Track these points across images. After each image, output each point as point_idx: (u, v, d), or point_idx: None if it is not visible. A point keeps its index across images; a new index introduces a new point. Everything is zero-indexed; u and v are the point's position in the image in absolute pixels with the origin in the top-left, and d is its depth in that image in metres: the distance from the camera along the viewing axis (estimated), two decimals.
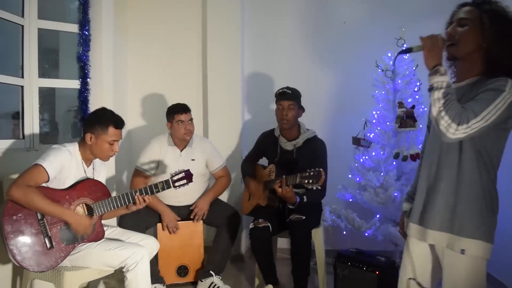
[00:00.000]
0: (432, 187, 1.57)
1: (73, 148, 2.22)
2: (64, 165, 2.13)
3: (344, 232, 3.37)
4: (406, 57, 3.14)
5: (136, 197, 2.28)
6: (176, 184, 2.39)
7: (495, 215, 1.53)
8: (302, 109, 2.91)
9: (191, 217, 2.94)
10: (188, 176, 2.41)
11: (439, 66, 1.45)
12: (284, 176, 2.54)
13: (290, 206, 2.66)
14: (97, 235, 2.23)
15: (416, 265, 1.64)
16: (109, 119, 2.23)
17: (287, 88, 2.87)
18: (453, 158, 1.51)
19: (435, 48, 1.47)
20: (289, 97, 2.81)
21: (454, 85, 1.56)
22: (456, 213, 1.49)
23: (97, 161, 2.37)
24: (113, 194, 2.52)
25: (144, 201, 2.32)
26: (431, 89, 1.44)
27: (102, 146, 2.22)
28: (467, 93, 1.50)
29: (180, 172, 2.41)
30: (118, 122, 2.25)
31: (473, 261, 1.48)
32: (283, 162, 2.86)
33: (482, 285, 1.50)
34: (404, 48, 1.61)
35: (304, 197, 2.66)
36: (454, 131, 1.37)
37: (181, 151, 3.01)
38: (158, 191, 2.34)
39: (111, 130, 2.22)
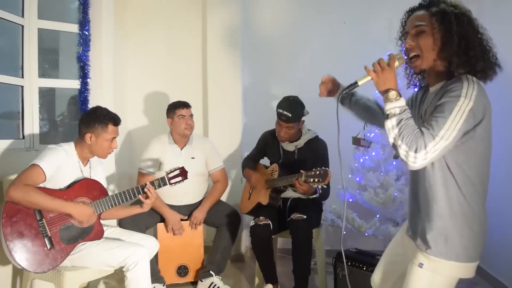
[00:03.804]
0: (411, 200, 1.57)
1: (69, 148, 2.23)
2: (60, 164, 2.14)
3: (344, 232, 3.37)
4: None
5: (146, 189, 2.29)
6: (172, 181, 2.41)
7: (473, 232, 1.41)
8: (303, 121, 2.83)
9: (189, 225, 2.97)
10: (182, 173, 2.44)
11: (389, 90, 1.37)
12: (302, 171, 2.52)
13: (312, 196, 2.67)
14: (97, 234, 2.23)
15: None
16: (107, 117, 2.25)
17: (289, 108, 2.70)
18: (421, 173, 1.45)
19: (383, 71, 1.40)
20: (288, 121, 2.72)
21: (431, 90, 1.49)
22: (424, 229, 1.44)
23: (93, 160, 2.38)
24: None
25: (151, 193, 2.32)
26: (386, 116, 1.37)
27: (102, 145, 2.24)
28: (435, 98, 1.42)
29: (175, 170, 2.43)
30: (116, 119, 2.29)
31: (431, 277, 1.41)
32: (285, 163, 2.86)
33: None
34: (348, 85, 1.52)
35: (319, 188, 2.63)
36: (413, 159, 1.29)
37: (181, 149, 3.01)
38: (155, 188, 2.36)
39: (111, 127, 2.25)
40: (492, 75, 1.42)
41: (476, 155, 1.38)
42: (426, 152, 1.28)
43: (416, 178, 1.50)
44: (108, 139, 2.25)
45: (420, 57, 1.43)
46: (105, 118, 2.24)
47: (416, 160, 1.29)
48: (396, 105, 1.36)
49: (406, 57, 1.49)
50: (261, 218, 2.69)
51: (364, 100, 1.84)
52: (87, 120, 2.25)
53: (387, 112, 1.37)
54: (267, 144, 3.03)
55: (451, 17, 1.39)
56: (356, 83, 1.49)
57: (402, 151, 1.32)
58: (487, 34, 1.44)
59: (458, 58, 1.37)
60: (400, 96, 1.38)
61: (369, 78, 1.44)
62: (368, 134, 3.29)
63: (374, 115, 1.81)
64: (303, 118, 2.82)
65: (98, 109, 2.31)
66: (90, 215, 2.17)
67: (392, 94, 1.37)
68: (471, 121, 1.30)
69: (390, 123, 1.35)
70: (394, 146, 1.35)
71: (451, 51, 1.38)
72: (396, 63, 1.42)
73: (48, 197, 2.05)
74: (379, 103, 1.82)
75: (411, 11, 1.51)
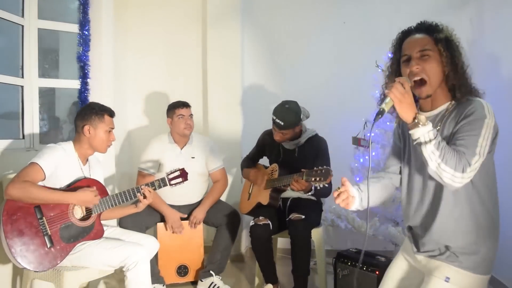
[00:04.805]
0: (427, 218, 1.52)
1: (68, 146, 2.24)
2: (59, 162, 2.15)
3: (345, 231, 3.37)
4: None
5: (142, 189, 2.32)
6: (172, 182, 2.42)
7: (496, 243, 1.44)
8: (299, 125, 2.81)
9: (188, 224, 2.97)
10: (183, 174, 2.46)
11: (417, 115, 1.32)
12: (303, 170, 2.50)
13: (307, 194, 2.64)
14: (97, 233, 2.23)
15: None
16: (102, 109, 2.32)
17: (282, 116, 2.70)
18: (443, 193, 1.44)
19: (405, 96, 1.32)
20: (280, 128, 2.73)
21: (428, 114, 1.49)
22: (453, 245, 1.44)
23: (93, 159, 2.39)
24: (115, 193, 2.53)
25: (150, 192, 2.34)
26: (418, 144, 1.32)
27: (101, 136, 2.28)
28: (444, 119, 1.44)
29: (176, 171, 2.45)
30: (111, 111, 2.36)
31: None
32: (285, 161, 2.86)
33: None
34: (376, 113, 1.39)
35: (318, 186, 2.57)
36: (460, 180, 1.28)
37: (181, 149, 3.02)
38: (155, 189, 2.37)
39: (107, 118, 2.31)
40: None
41: (491, 165, 1.43)
42: (471, 170, 1.30)
43: (432, 198, 1.48)
44: (106, 130, 2.29)
45: (428, 83, 1.42)
46: (100, 109, 2.31)
47: (463, 180, 1.29)
48: (429, 129, 1.31)
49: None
50: (260, 218, 2.69)
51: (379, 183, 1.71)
52: (83, 114, 2.29)
53: (421, 139, 1.31)
54: (267, 144, 3.03)
55: (454, 45, 1.43)
56: (383, 110, 1.37)
57: (447, 174, 1.29)
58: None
59: (465, 86, 1.42)
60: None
61: (392, 103, 1.36)
62: (368, 134, 3.29)
63: (391, 185, 1.72)
64: (301, 122, 2.82)
65: (91, 103, 2.39)
66: (93, 199, 2.16)
67: (423, 118, 1.31)
68: (494, 135, 1.37)
69: (429, 149, 1.30)
70: (437, 173, 1.31)
71: (458, 78, 1.41)
72: (407, 86, 1.37)
73: (47, 190, 2.06)
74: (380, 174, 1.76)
75: (407, 33, 1.50)
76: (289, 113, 2.73)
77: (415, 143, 1.34)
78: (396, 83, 1.34)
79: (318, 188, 2.54)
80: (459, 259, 1.41)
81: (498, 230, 1.45)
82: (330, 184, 2.75)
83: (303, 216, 2.61)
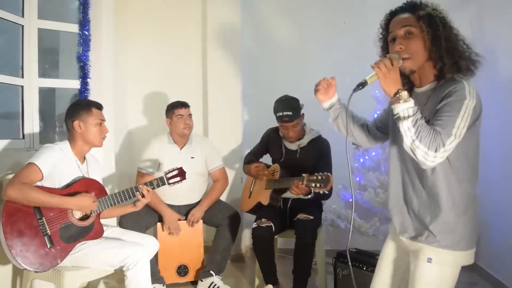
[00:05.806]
0: (404, 200, 1.56)
1: (65, 146, 2.25)
2: (56, 162, 2.15)
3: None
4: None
5: (140, 189, 2.32)
6: (170, 181, 2.43)
7: (472, 219, 1.46)
8: (303, 114, 2.83)
9: (187, 223, 2.97)
10: (181, 173, 2.46)
11: (400, 91, 1.36)
12: (304, 175, 2.49)
13: (307, 197, 2.63)
14: (96, 233, 2.23)
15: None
16: (88, 103, 2.34)
17: (287, 107, 2.72)
18: (421, 173, 1.47)
19: (390, 72, 1.37)
20: (291, 119, 2.73)
21: (418, 90, 1.51)
22: (430, 224, 1.47)
23: (90, 158, 2.40)
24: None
25: (148, 192, 2.35)
26: (397, 118, 1.36)
27: (92, 130, 2.27)
28: (431, 98, 1.45)
29: (174, 170, 2.45)
30: (98, 104, 2.36)
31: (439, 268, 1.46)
32: (287, 162, 2.86)
33: None
34: (357, 84, 1.45)
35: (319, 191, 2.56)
36: (433, 159, 1.31)
37: (180, 149, 3.02)
38: (154, 188, 2.38)
39: (95, 110, 2.31)
40: (475, 71, 1.45)
41: (473, 146, 1.43)
42: (444, 150, 1.31)
43: (412, 178, 1.52)
44: (96, 123, 2.28)
45: (411, 58, 1.45)
46: (86, 103, 2.32)
47: (435, 160, 1.31)
48: (408, 106, 1.35)
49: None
50: (263, 220, 2.68)
51: (357, 117, 1.86)
52: (71, 111, 2.30)
53: (400, 114, 1.35)
54: (271, 142, 3.03)
55: (437, 20, 1.44)
56: (365, 82, 1.44)
57: (420, 151, 1.31)
58: (462, 34, 1.48)
59: (449, 59, 1.42)
60: (410, 96, 1.38)
61: (376, 77, 1.41)
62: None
63: (366, 132, 1.86)
64: (302, 111, 2.82)
65: (77, 100, 2.41)
66: (91, 205, 2.16)
67: (405, 94, 1.35)
68: (474, 117, 1.36)
69: (405, 125, 1.33)
70: (411, 149, 1.34)
71: (440, 52, 1.42)
72: (396, 63, 1.42)
73: (45, 194, 2.05)
74: (368, 122, 1.85)
75: (393, 14, 1.53)
76: (291, 102, 2.77)
77: (394, 117, 1.38)
78: (385, 59, 1.39)
79: (321, 193, 2.54)
80: (437, 239, 1.44)
81: (475, 206, 1.48)
82: (330, 189, 2.75)
83: (312, 217, 2.60)
